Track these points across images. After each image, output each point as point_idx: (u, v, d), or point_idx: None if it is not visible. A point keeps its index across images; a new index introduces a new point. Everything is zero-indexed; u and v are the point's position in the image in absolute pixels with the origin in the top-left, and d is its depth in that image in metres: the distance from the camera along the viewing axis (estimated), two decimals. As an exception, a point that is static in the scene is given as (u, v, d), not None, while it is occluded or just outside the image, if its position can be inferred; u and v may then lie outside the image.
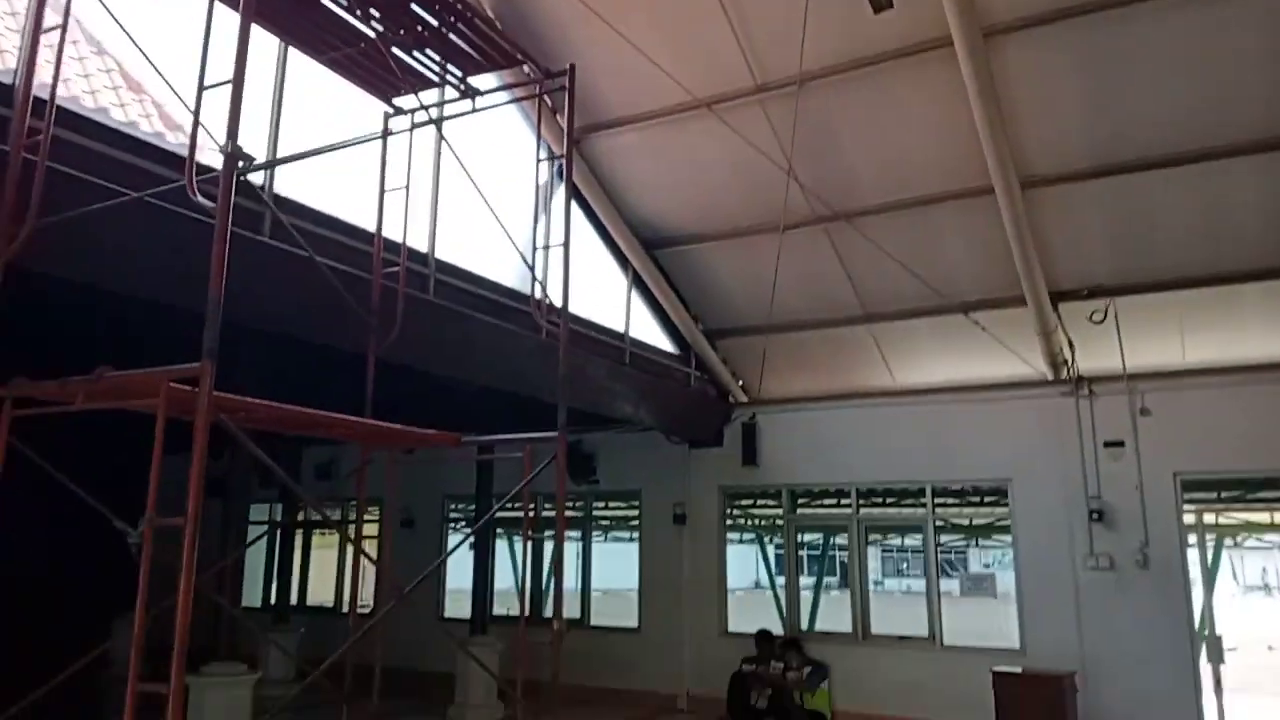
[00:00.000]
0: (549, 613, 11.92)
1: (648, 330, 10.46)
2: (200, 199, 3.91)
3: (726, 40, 7.69)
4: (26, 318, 4.75)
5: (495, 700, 10.03)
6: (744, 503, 11.82)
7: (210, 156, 4.18)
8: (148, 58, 4.24)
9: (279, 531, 13.23)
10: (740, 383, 11.16)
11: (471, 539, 10.84)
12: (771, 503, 11.27)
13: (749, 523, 12.74)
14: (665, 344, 10.72)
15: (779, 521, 11.25)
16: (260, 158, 5.70)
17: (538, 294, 7.38)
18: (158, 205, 4.50)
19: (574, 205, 9.15)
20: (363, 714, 6.36)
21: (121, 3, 4.50)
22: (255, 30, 4.08)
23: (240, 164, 3.78)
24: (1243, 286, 8.28)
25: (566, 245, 5.91)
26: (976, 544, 26.67)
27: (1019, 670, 8.52)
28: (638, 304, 10.34)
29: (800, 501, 11.17)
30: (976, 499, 10.49)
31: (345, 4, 4.94)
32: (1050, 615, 9.07)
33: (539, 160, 6.66)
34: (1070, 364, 9.22)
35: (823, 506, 11.22)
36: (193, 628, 3.33)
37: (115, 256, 4.52)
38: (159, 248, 4.63)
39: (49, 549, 8.15)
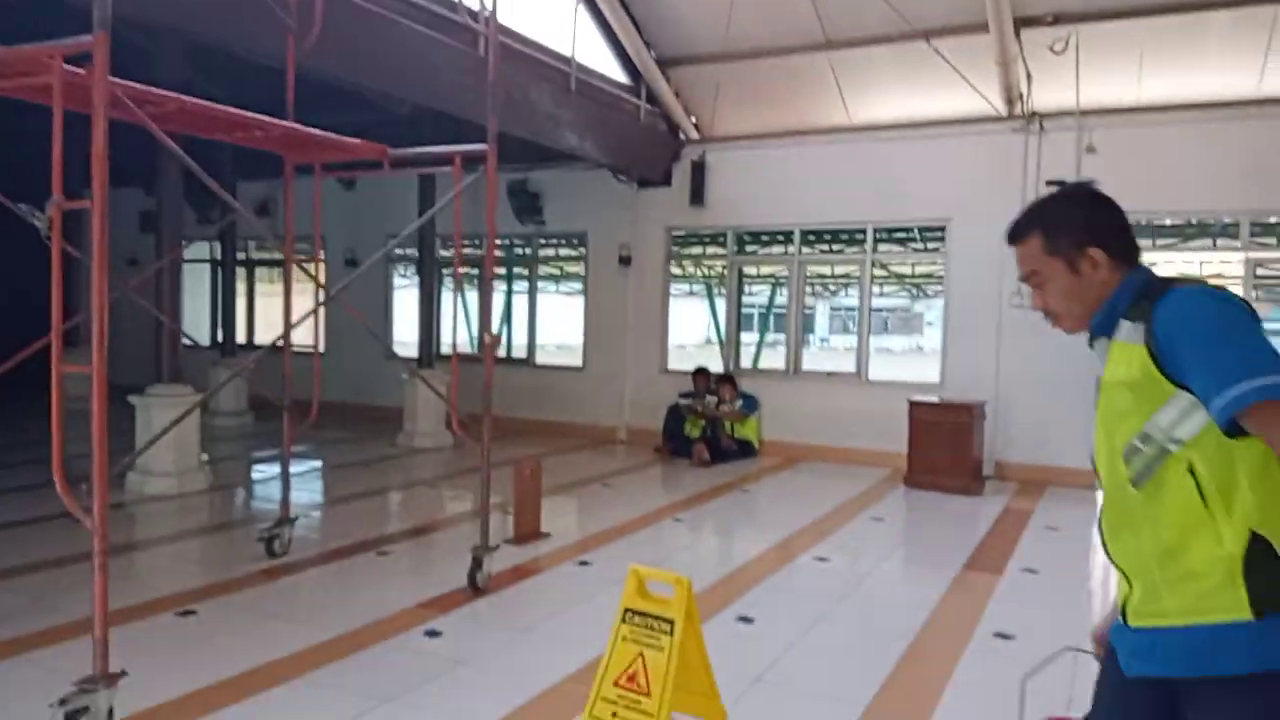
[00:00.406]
0: (502, 352, 12.11)
1: (597, 57, 9.87)
2: None
3: None
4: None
5: (443, 429, 10.41)
6: (693, 251, 11.80)
7: None
8: None
9: (220, 271, 12.98)
10: (693, 118, 10.76)
11: (415, 275, 10.75)
12: (719, 249, 11.25)
13: (698, 272, 12.81)
14: (616, 73, 10.18)
15: (723, 268, 11.29)
16: None
17: (472, 2, 6.82)
18: None
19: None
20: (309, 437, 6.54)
21: None
22: None
23: None
24: (1211, 14, 7.95)
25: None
26: (914, 298, 27.45)
27: (934, 400, 8.99)
28: (587, 25, 9.68)
29: (747, 250, 11.17)
30: (919, 240, 10.60)
31: None
32: (970, 351, 9.42)
33: None
34: (1025, 98, 8.98)
35: (771, 254, 11.26)
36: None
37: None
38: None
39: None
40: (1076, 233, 1.78)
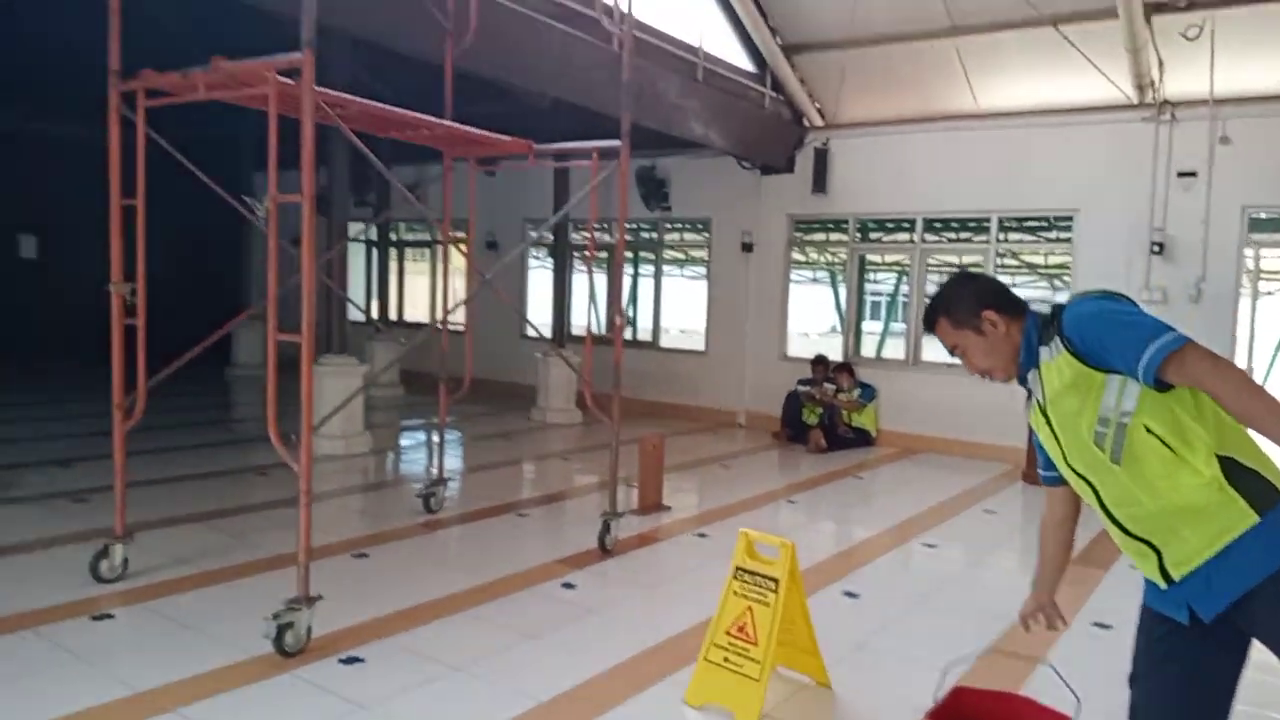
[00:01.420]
0: (629, 334, 12.62)
1: (723, 46, 10.17)
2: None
3: None
4: (138, 14, 4.94)
5: (573, 407, 11.01)
6: (815, 238, 11.96)
7: None
8: None
9: (374, 250, 14.00)
10: (816, 105, 10.93)
11: (550, 259, 11.37)
12: (841, 236, 11.37)
13: (821, 259, 12.96)
14: (742, 61, 10.45)
15: (845, 255, 11.40)
16: None
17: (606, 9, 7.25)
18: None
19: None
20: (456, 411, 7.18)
21: None
22: None
23: None
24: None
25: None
26: (1050, 289, 26.47)
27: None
28: (715, 15, 9.99)
29: (870, 237, 11.25)
30: (1045, 229, 10.45)
31: None
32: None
33: None
34: (1156, 86, 8.76)
35: (895, 243, 11.27)
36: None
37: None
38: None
39: (169, 251, 8.94)
40: (970, 304, 2.22)
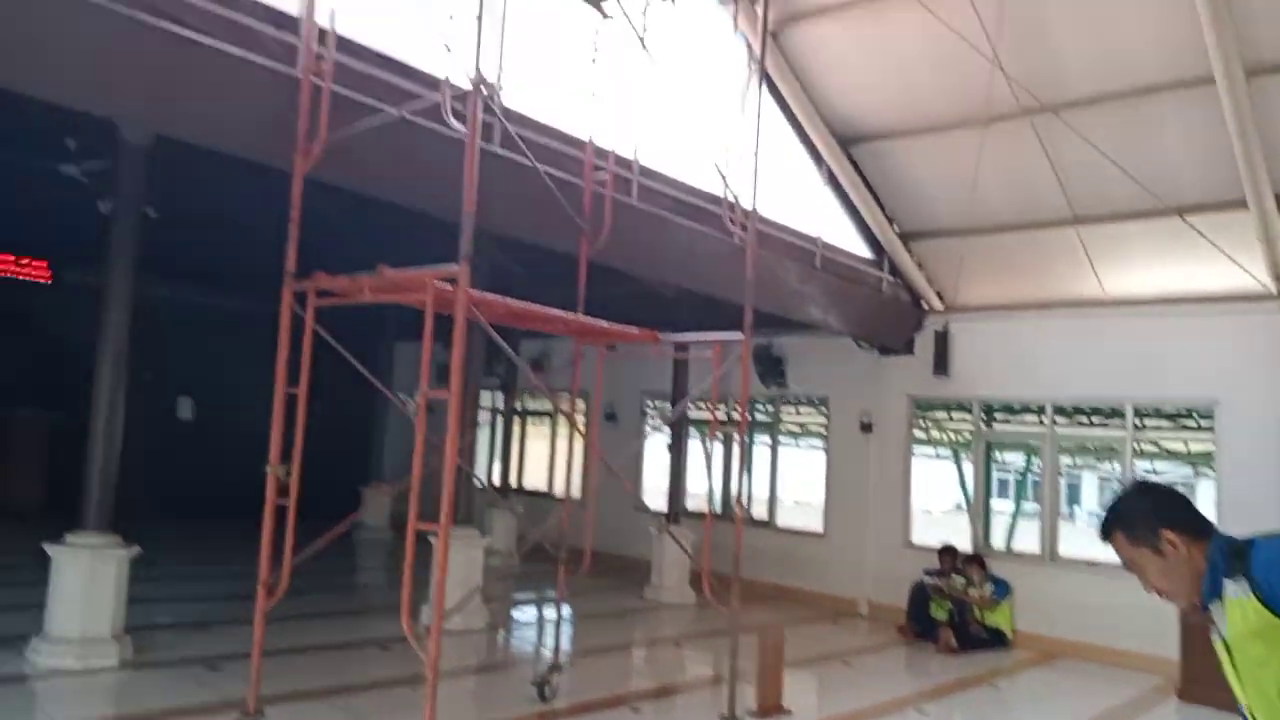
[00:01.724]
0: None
1: (841, 232, 10.49)
2: (452, 121, 4.44)
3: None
4: (313, 222, 5.55)
5: (687, 587, 10.79)
6: (936, 415, 11.77)
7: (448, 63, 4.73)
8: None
9: (498, 418, 14.53)
10: (936, 289, 11.02)
11: (668, 435, 11.53)
12: (965, 416, 11.15)
13: (943, 437, 12.70)
14: (859, 247, 10.73)
15: (969, 436, 11.14)
16: (494, 77, 6.26)
17: (729, 199, 7.64)
18: (415, 122, 5.12)
19: (769, 100, 9.27)
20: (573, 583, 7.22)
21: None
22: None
23: (484, 93, 4.27)
24: None
25: (756, 157, 6.12)
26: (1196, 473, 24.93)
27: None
28: (832, 204, 10.38)
29: (996, 417, 10.99)
30: (1185, 419, 9.97)
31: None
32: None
33: (744, 70, 6.82)
34: (1295, 274, 8.49)
35: (1022, 425, 10.95)
36: (433, 495, 4.03)
37: (381, 168, 5.21)
38: (415, 160, 5.27)
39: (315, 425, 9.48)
40: (1148, 521, 2.08)
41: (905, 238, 10.69)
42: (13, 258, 12.60)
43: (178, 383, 15.00)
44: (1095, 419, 10.58)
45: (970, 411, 10.95)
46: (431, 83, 5.82)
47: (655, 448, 13.47)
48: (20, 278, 12.74)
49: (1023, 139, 8.84)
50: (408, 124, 5.12)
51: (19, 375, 12.91)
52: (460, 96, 4.74)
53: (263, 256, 5.35)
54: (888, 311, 10.90)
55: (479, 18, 4.26)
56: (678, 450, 11.55)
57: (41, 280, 12.88)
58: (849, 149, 9.93)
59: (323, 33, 5.18)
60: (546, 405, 15.24)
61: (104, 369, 6.01)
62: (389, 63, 5.74)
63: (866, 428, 11.37)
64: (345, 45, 5.36)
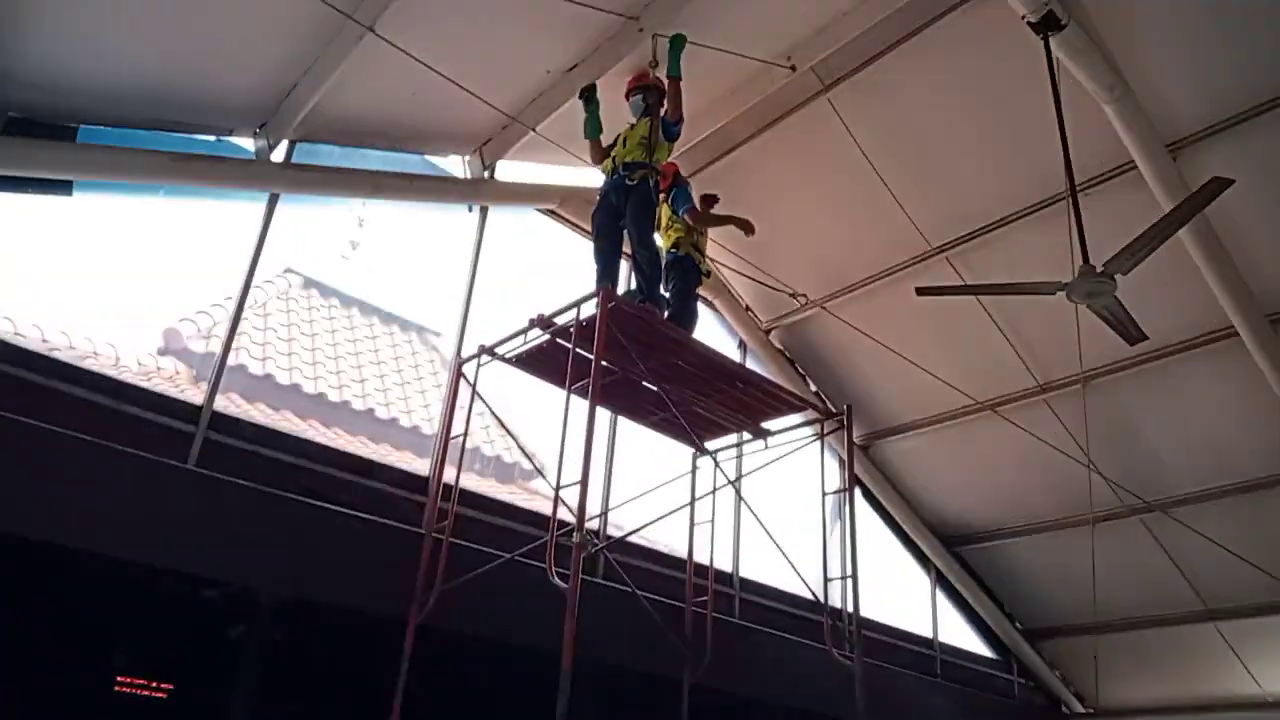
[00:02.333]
0: None
1: (959, 634, 10.03)
2: (556, 580, 4.72)
3: (1002, 349, 8.03)
4: (426, 668, 5.76)
5: None
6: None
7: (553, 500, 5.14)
8: (527, 455, 5.40)
9: None
10: (1073, 690, 10.17)
11: None
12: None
13: None
14: (981, 648, 10.17)
15: None
16: (597, 519, 6.75)
17: (832, 619, 7.51)
18: (524, 563, 5.48)
19: (868, 508, 9.46)
20: None
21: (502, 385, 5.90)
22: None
23: (588, 548, 4.61)
24: None
25: (855, 579, 6.17)
26: None
27: None
28: (945, 606, 10.05)
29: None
30: None
31: (662, 387, 5.96)
32: None
33: (824, 494, 7.15)
34: None
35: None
36: None
37: (493, 612, 5.49)
38: (524, 603, 5.52)
39: None
40: None
41: (1030, 635, 10.14)
42: (144, 680, 13.06)
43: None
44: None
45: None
46: (538, 520, 6.36)
47: None
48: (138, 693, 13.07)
49: (1136, 534, 8.67)
50: (514, 563, 5.46)
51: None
52: (567, 532, 5.06)
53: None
54: (1024, 717, 10.01)
55: (582, 481, 4.68)
56: None
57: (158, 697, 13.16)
58: (955, 549, 9.87)
59: (448, 488, 5.80)
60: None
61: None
62: (499, 505, 6.29)
63: None
64: (465, 497, 5.96)
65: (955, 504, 9.62)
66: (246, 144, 5.86)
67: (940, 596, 9.97)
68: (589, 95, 6.10)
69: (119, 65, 5.06)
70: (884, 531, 9.68)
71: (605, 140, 6.07)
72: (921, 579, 9.92)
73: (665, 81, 5.90)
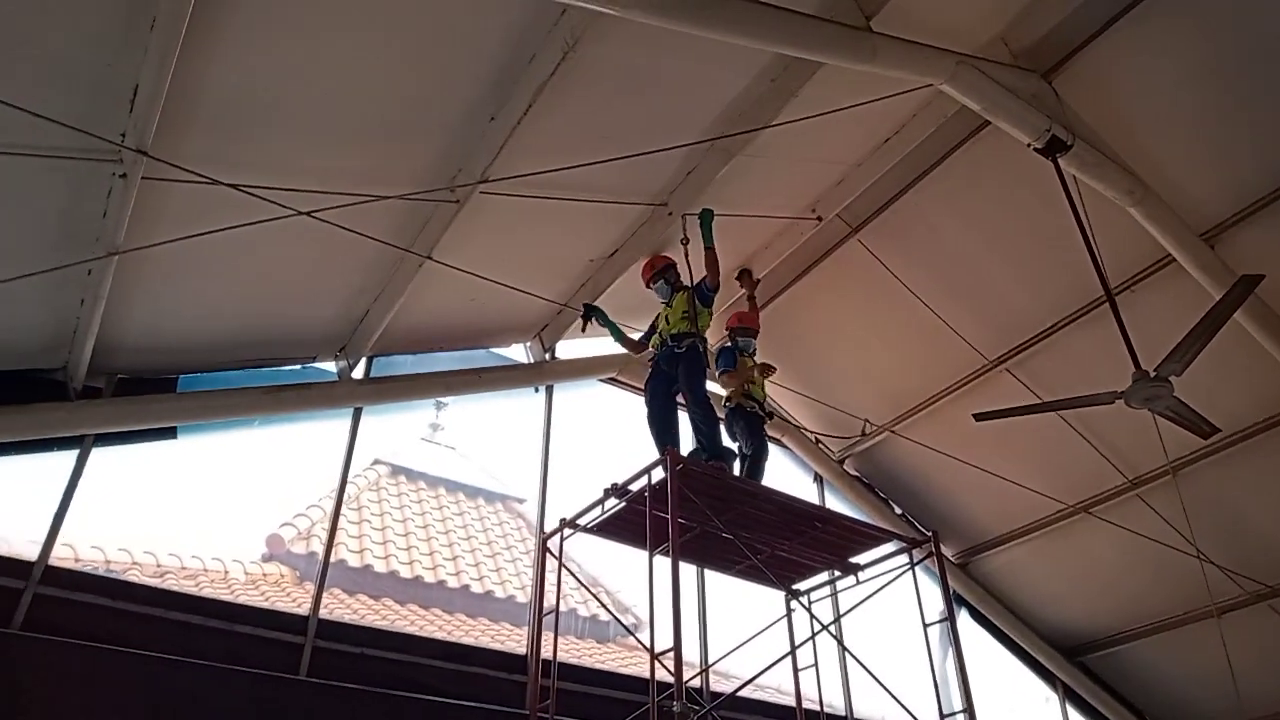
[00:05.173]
0: None
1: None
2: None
3: (1082, 448, 7.88)
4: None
5: None
6: None
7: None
8: (619, 619, 5.53)
9: None
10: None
11: None
12: None
13: None
14: (1126, 762, 9.50)
15: None
16: (696, 659, 6.75)
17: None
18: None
19: (980, 627, 9.12)
20: None
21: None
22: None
23: (690, 717, 4.67)
24: None
25: (971, 713, 6.00)
26: None
27: None
28: (1077, 718, 9.48)
29: None
30: None
31: (741, 536, 6.07)
32: None
33: (924, 625, 7.04)
34: None
35: None
36: None
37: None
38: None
39: None
40: None
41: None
42: None
43: None
44: None
45: None
46: (639, 685, 6.40)
47: None
48: None
49: (1267, 620, 8.16)
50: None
51: None
52: (668, 695, 5.11)
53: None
54: None
55: (675, 649, 4.77)
56: None
57: None
58: (1077, 660, 9.39)
59: (547, 663, 5.93)
60: None
61: None
62: (599, 675, 6.37)
63: None
64: (564, 670, 6.07)
65: (1068, 612, 9.22)
66: (329, 366, 6.43)
67: (1072, 711, 9.43)
68: (590, 313, 6.57)
69: (211, 321, 5.69)
70: (1000, 650, 9.30)
71: (639, 322, 6.48)
72: (1048, 695, 9.43)
73: (671, 258, 6.37)
